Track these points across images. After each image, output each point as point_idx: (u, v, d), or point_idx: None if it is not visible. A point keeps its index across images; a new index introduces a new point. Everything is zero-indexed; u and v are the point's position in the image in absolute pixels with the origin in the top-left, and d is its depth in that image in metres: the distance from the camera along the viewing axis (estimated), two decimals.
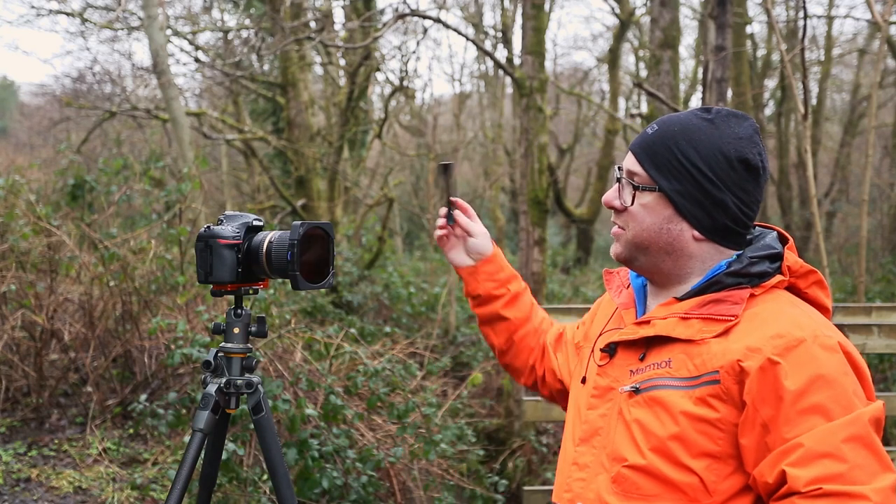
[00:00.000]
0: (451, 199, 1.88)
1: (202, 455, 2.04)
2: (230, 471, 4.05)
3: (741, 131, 1.53)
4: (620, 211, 1.60)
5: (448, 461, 5.07)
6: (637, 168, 1.57)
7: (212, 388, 2.00)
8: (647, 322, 1.57)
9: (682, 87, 16.30)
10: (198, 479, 2.13)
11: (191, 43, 13.53)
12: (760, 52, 16.77)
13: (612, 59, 16.42)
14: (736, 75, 13.40)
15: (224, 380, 2.02)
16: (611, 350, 1.62)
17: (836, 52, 16.73)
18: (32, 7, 12.72)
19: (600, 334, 1.71)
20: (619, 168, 1.62)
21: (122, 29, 12.99)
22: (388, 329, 7.11)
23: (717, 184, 1.51)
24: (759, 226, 1.64)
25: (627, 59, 20.85)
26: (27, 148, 18.97)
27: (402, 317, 9.81)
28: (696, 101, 17.45)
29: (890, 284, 10.82)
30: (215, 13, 15.47)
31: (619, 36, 15.92)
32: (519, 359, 1.97)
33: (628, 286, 1.73)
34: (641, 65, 18.73)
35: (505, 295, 1.91)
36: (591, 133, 20.79)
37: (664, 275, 1.60)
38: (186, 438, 4.80)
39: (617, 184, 1.62)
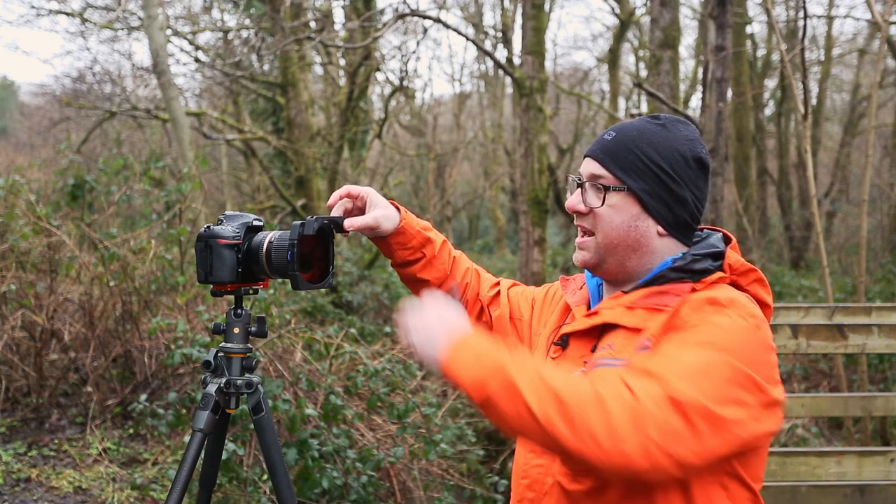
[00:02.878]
0: (329, 222, 1.85)
1: (202, 455, 2.04)
2: (230, 471, 4.05)
3: (689, 133, 1.64)
4: (585, 214, 1.65)
5: (448, 461, 5.07)
6: (601, 171, 1.62)
7: (212, 388, 2.00)
8: (596, 313, 1.64)
9: (682, 87, 16.31)
10: (198, 479, 2.13)
11: (191, 43, 13.54)
12: (760, 52, 16.78)
13: (612, 59, 16.42)
14: (736, 75, 13.40)
15: (224, 380, 2.01)
16: (563, 342, 1.67)
17: (836, 52, 16.74)
18: (32, 7, 12.74)
19: (553, 331, 1.76)
20: (577, 175, 1.68)
21: (122, 29, 13.00)
22: (388, 329, 7.11)
23: (677, 181, 1.60)
24: (708, 228, 1.71)
25: (627, 59, 20.88)
26: (27, 148, 18.98)
27: None
28: (696, 101, 17.46)
29: (890, 284, 10.82)
30: (215, 13, 15.49)
31: (619, 36, 15.92)
32: None
33: (582, 287, 1.79)
34: (641, 65, 18.73)
35: (420, 259, 1.95)
36: (591, 133, 20.79)
37: (628, 273, 1.66)
38: (186, 438, 4.81)
39: (578, 189, 1.66)
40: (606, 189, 1.61)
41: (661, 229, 1.62)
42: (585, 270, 1.76)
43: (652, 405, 1.35)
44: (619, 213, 1.61)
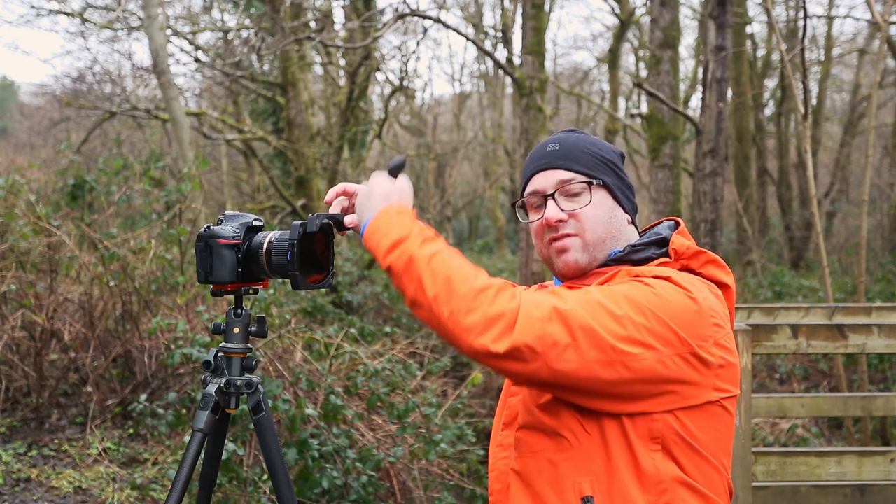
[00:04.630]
0: (330, 220, 1.84)
1: (202, 455, 2.04)
2: (230, 471, 4.05)
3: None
4: (565, 221, 1.65)
5: (448, 461, 5.06)
6: (569, 175, 1.65)
7: (212, 388, 2.00)
8: None
9: (682, 87, 16.30)
10: (198, 479, 2.13)
11: (191, 43, 13.54)
12: (760, 52, 16.77)
13: (612, 59, 16.42)
14: (736, 75, 13.40)
15: (224, 380, 2.01)
16: None
17: (836, 52, 16.74)
18: (32, 7, 12.74)
19: None
20: (535, 194, 1.68)
21: (122, 29, 13.00)
22: (388, 329, 7.11)
23: (623, 172, 1.71)
24: (667, 219, 1.74)
25: (627, 59, 20.87)
26: (27, 148, 18.97)
27: (402, 317, 9.81)
28: (696, 101, 17.46)
29: (890, 284, 10.82)
30: (215, 13, 15.49)
31: (619, 36, 15.92)
32: None
33: None
34: (641, 65, 18.73)
35: None
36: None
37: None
38: (186, 438, 4.81)
39: (549, 201, 1.66)
40: (590, 185, 1.64)
41: (628, 217, 1.69)
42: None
43: (534, 309, 1.39)
44: (600, 208, 1.65)
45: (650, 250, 1.62)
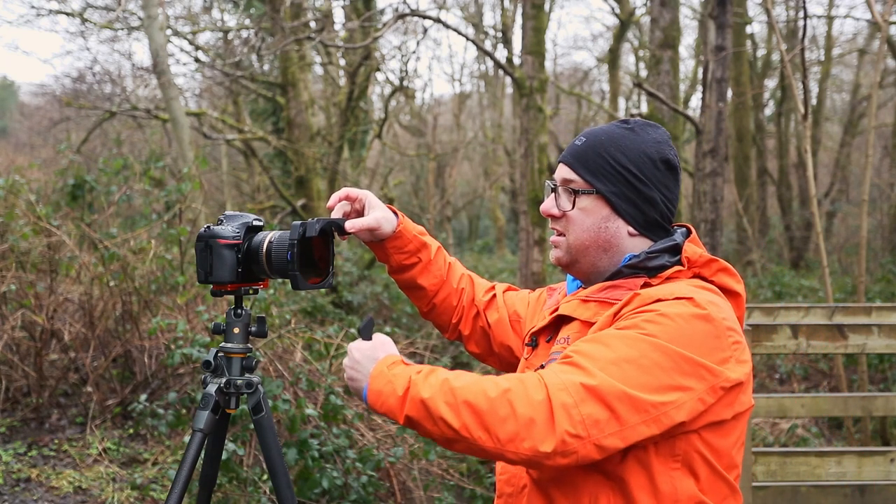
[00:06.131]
0: (330, 224, 1.85)
1: (202, 455, 2.04)
2: (230, 471, 4.05)
3: (658, 136, 1.69)
4: (558, 217, 1.70)
5: (448, 461, 5.07)
6: (572, 175, 1.68)
7: (212, 388, 2.00)
8: (557, 309, 1.71)
9: (682, 87, 16.30)
10: (198, 479, 2.13)
11: (191, 43, 13.52)
12: (760, 52, 16.77)
13: (612, 59, 16.42)
14: (736, 75, 13.39)
15: (224, 380, 2.01)
16: (533, 342, 1.75)
17: (836, 52, 16.73)
18: (32, 7, 12.73)
19: (527, 334, 1.82)
20: (552, 180, 1.73)
21: (122, 29, 12.99)
22: (388, 329, 7.11)
23: (645, 182, 1.65)
24: (677, 225, 1.74)
25: (627, 59, 20.86)
26: (27, 148, 18.97)
27: (402, 317, 9.81)
28: (696, 101, 17.45)
29: (890, 284, 10.82)
30: (215, 13, 15.47)
31: (619, 36, 15.92)
32: (441, 318, 2.06)
33: (563, 294, 1.82)
34: (641, 65, 18.73)
35: (417, 264, 1.97)
36: None
37: (600, 273, 1.70)
38: (186, 438, 4.81)
39: (552, 194, 1.72)
40: (576, 193, 1.67)
41: (631, 229, 1.67)
42: (567, 276, 1.80)
43: (564, 395, 1.39)
44: (590, 216, 1.66)
45: (664, 258, 1.63)
